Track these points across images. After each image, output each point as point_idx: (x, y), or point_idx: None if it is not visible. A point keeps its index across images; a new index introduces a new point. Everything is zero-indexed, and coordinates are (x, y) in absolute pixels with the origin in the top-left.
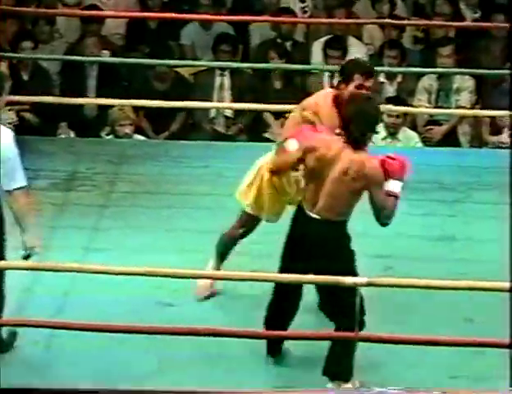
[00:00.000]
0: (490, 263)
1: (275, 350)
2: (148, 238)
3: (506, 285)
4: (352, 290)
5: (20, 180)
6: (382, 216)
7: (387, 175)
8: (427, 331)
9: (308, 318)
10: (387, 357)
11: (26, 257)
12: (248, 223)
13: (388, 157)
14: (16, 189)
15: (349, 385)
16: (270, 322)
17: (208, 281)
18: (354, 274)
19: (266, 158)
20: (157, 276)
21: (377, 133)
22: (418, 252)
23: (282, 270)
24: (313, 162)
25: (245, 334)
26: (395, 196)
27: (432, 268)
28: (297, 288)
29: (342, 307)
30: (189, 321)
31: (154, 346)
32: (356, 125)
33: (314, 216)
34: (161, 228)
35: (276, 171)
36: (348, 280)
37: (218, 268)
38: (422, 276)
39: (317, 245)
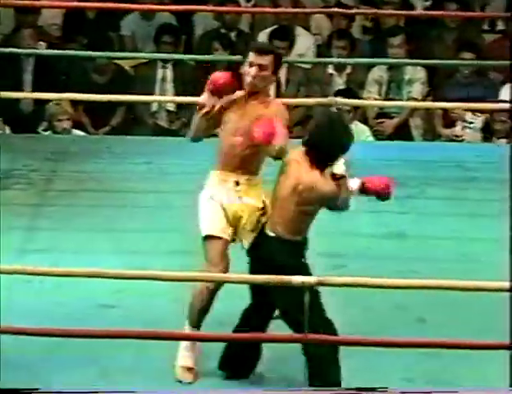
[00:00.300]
0: (442, 262)
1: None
2: (87, 238)
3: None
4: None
5: None
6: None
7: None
8: (379, 331)
9: None
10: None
11: None
12: None
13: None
14: None
15: None
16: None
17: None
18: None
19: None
20: (98, 277)
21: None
22: (369, 251)
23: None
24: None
25: (187, 336)
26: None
27: (383, 266)
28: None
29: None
30: (132, 323)
31: (96, 350)
32: (328, 151)
33: (268, 232)
34: (101, 228)
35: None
36: (296, 279)
37: None
38: (372, 274)
39: (265, 262)
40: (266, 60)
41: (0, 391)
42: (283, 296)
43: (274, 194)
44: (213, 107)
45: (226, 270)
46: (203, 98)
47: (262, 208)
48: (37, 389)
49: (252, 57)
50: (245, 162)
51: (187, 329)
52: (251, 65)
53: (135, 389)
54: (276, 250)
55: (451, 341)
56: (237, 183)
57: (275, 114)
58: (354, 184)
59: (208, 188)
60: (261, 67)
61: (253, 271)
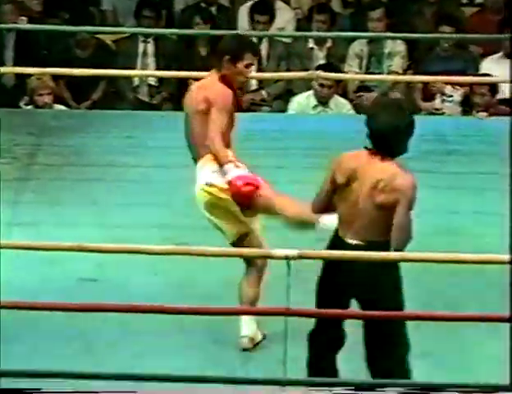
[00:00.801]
0: (422, 235)
1: None
2: (72, 212)
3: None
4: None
5: None
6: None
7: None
8: None
9: None
10: None
11: None
12: None
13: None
14: None
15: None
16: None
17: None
18: (402, 307)
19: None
20: (81, 251)
21: None
22: None
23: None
24: (341, 178)
25: (165, 310)
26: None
27: None
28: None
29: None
30: (116, 297)
31: (80, 324)
32: (395, 140)
33: (355, 242)
34: (84, 201)
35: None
36: (278, 252)
37: None
38: None
39: (366, 274)
40: (256, 60)
41: (0, 391)
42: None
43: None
44: None
45: None
46: None
47: None
48: (38, 389)
49: (249, 58)
50: None
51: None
52: (248, 66)
53: (136, 389)
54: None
55: (450, 314)
56: None
57: None
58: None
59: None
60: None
61: (333, 288)
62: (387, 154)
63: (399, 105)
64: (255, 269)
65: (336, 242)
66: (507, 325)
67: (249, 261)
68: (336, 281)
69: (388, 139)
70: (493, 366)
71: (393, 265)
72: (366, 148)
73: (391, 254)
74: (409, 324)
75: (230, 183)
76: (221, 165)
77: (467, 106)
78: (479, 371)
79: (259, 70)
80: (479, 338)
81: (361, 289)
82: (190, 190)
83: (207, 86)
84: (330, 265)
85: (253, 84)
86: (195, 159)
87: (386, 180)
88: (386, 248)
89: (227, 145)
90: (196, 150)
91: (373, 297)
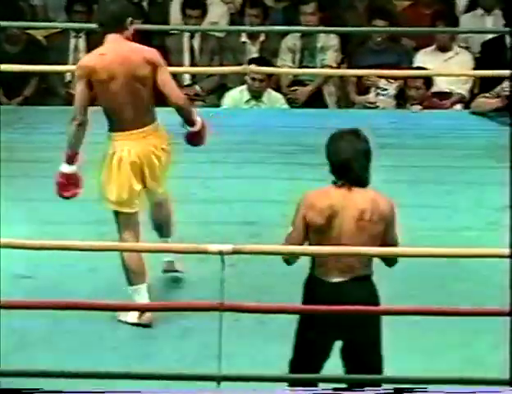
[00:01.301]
0: None
1: None
2: (3, 208)
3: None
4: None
5: None
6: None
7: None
8: (295, 299)
9: None
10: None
11: None
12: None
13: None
14: None
15: None
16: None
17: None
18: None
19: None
20: (14, 247)
21: None
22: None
23: (304, 348)
24: (318, 219)
25: (101, 306)
26: None
27: None
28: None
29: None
30: (50, 293)
31: (13, 320)
32: (359, 166)
33: (338, 280)
34: (16, 198)
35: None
36: (212, 247)
37: None
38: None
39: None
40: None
41: (0, 391)
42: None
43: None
44: None
45: None
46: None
47: None
48: (38, 389)
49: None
50: None
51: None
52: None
53: (139, 389)
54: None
55: (450, 309)
56: None
57: None
58: None
59: None
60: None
61: (319, 328)
62: (356, 184)
63: (356, 133)
64: None
65: (315, 283)
66: None
67: None
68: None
69: (352, 167)
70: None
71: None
72: (334, 183)
73: (324, 249)
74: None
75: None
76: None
77: (401, 99)
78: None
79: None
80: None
81: (348, 330)
82: None
83: (134, 50)
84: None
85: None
86: (135, 127)
87: (371, 209)
88: (370, 280)
89: None
90: (140, 118)
91: (360, 339)
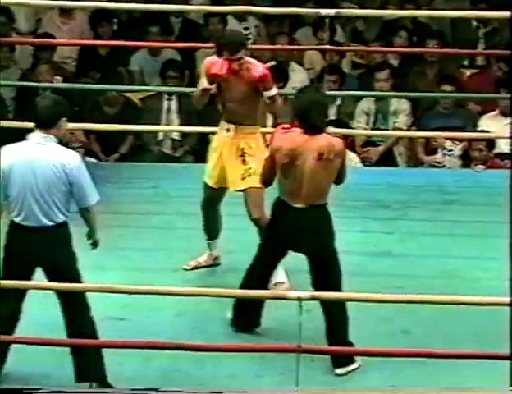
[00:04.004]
0: (424, 278)
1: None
2: (99, 256)
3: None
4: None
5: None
6: (343, 179)
7: None
8: (367, 342)
9: None
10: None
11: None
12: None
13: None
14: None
15: None
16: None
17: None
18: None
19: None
20: (109, 292)
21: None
22: (358, 267)
23: (264, 260)
24: (283, 158)
25: (189, 347)
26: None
27: (371, 282)
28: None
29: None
30: (140, 334)
31: (107, 358)
32: (316, 113)
33: (300, 206)
34: (112, 246)
35: (264, 182)
36: (292, 294)
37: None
38: (361, 290)
39: (311, 230)
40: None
41: (0, 391)
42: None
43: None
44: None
45: None
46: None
47: None
48: (38, 389)
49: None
50: None
51: None
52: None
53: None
54: (318, 216)
55: (451, 351)
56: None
57: None
58: None
59: None
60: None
61: (279, 244)
62: (314, 130)
63: (315, 88)
64: None
65: (282, 205)
66: None
67: None
68: (283, 237)
69: (310, 113)
70: None
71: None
72: (292, 125)
73: (399, 296)
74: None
75: None
76: None
77: (466, 159)
78: None
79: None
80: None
81: (306, 243)
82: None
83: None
84: (276, 222)
85: None
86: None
87: (327, 149)
88: (325, 208)
89: None
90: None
91: (317, 249)
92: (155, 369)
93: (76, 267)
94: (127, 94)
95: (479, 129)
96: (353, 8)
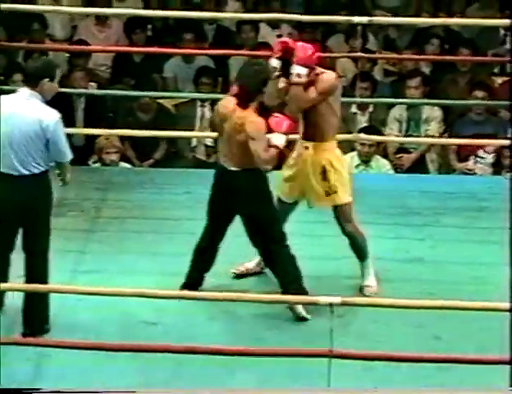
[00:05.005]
0: (456, 284)
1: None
2: (134, 261)
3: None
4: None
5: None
6: (259, 162)
7: (272, 129)
8: (399, 347)
9: None
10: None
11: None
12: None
13: (274, 116)
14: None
15: None
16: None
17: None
18: (274, 214)
19: None
20: (143, 296)
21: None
22: (390, 273)
23: (209, 222)
24: (217, 119)
25: (218, 351)
26: (276, 147)
27: (402, 288)
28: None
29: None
30: (173, 339)
31: (141, 362)
32: (244, 85)
33: (225, 165)
34: (145, 251)
35: None
36: (323, 299)
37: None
38: (394, 296)
39: (235, 192)
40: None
41: (0, 391)
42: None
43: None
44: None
45: None
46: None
47: None
48: (38, 389)
49: None
50: None
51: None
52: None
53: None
54: (239, 178)
55: (458, 356)
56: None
57: None
58: (277, 141)
59: None
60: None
61: (217, 204)
62: (244, 100)
63: (254, 63)
64: None
65: (220, 169)
66: None
67: None
68: (223, 200)
69: (242, 87)
70: None
71: (264, 181)
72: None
73: (430, 302)
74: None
75: None
76: None
77: (497, 167)
78: None
79: None
80: None
81: (242, 206)
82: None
83: None
84: (217, 186)
85: None
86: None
87: (240, 123)
88: (258, 171)
89: None
90: None
91: (252, 211)
92: (188, 373)
93: (50, 214)
94: (161, 101)
95: (510, 136)
96: (385, 16)
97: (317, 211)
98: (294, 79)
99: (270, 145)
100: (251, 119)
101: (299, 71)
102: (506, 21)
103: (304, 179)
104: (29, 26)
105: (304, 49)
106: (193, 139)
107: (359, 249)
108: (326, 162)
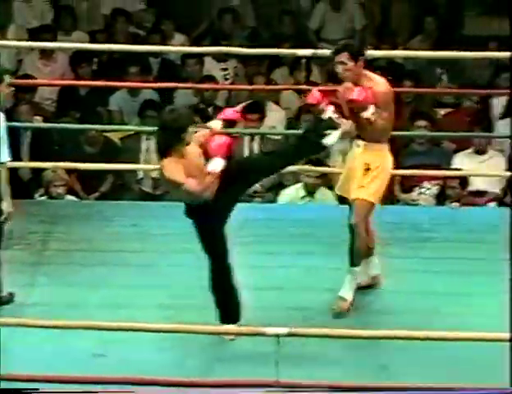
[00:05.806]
0: (399, 313)
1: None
2: (83, 294)
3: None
4: None
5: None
6: (196, 197)
7: (210, 155)
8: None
9: None
10: None
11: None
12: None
13: (215, 137)
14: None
15: None
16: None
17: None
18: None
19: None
20: (90, 328)
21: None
22: (326, 304)
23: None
24: None
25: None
26: (214, 172)
27: (351, 318)
28: None
29: None
30: (123, 370)
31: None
32: (159, 136)
33: None
34: (93, 284)
35: None
36: (270, 330)
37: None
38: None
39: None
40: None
41: (0, 391)
42: None
43: None
44: None
45: None
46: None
47: None
48: (37, 389)
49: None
50: None
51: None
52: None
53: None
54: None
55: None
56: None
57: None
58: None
59: None
60: (342, 63)
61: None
62: (162, 150)
63: (171, 110)
64: None
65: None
66: None
67: None
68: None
69: (159, 136)
70: None
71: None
72: None
73: (375, 332)
74: None
75: None
76: None
77: (441, 197)
78: None
79: None
80: None
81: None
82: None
83: None
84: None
85: None
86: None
87: (162, 173)
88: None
89: None
90: None
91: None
92: None
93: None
94: (107, 134)
95: (453, 167)
96: (330, 49)
97: (265, 242)
98: (371, 117)
99: (208, 172)
100: (166, 167)
101: (372, 110)
102: (449, 53)
103: (350, 173)
104: None
105: (361, 93)
106: (139, 171)
107: (355, 251)
108: (371, 161)
